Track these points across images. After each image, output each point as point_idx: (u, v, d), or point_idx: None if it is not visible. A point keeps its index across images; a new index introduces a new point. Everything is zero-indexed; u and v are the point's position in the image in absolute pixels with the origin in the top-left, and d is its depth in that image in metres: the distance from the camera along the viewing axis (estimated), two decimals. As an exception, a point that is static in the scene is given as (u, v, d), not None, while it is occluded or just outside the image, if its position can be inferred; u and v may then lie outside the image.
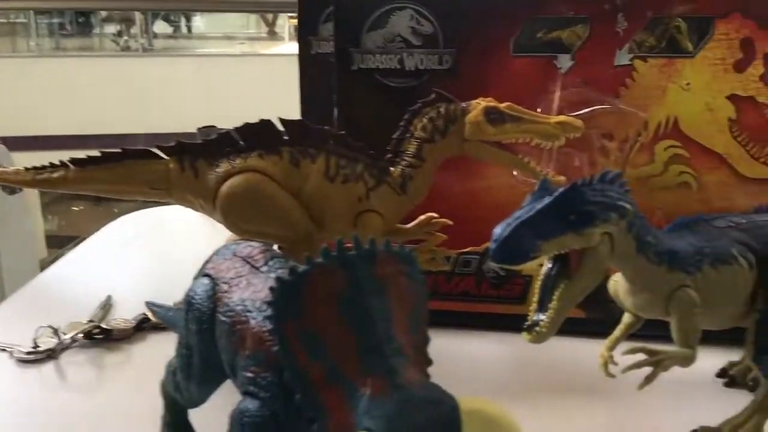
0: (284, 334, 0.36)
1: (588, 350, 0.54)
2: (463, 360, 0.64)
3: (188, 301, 0.44)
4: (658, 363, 0.46)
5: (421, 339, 0.38)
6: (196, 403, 0.46)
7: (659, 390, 0.57)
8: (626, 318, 0.52)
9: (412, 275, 0.38)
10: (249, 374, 0.38)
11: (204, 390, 0.45)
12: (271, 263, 0.42)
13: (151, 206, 1.14)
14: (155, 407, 0.54)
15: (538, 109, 0.66)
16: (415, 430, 0.33)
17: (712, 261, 0.47)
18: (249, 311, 0.39)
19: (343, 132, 0.60)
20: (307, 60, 0.82)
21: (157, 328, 0.70)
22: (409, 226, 0.62)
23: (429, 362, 0.39)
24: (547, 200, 0.43)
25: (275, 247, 0.60)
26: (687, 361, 0.46)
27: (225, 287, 0.42)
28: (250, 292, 0.41)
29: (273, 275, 0.41)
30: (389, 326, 0.36)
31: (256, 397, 0.38)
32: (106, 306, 0.74)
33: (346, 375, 0.35)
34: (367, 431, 0.32)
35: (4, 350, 0.65)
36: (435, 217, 0.62)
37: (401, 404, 0.33)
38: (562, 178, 0.61)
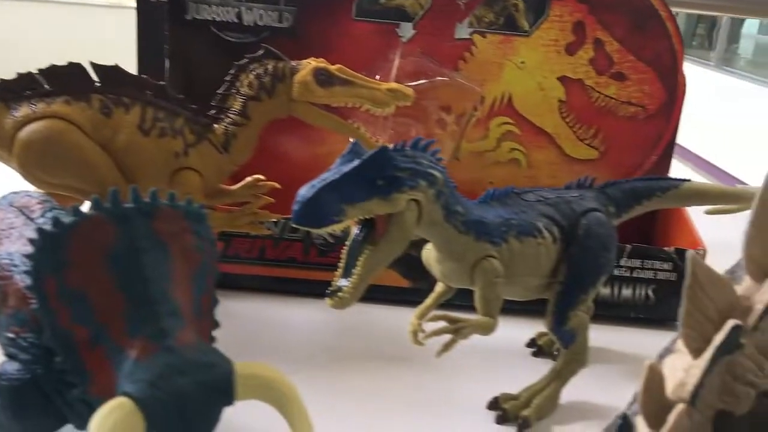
0: (44, 290, 0.33)
1: (408, 319, 0.54)
2: (286, 327, 0.63)
3: (-47, 254, 0.39)
4: (458, 330, 0.46)
5: (208, 300, 0.36)
6: None
7: (471, 358, 0.58)
8: (438, 287, 0.52)
9: (200, 233, 0.36)
10: (9, 335, 0.35)
11: None
12: (48, 214, 0.39)
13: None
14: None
15: (377, 76, 0.65)
16: (180, 395, 0.31)
17: (517, 233, 0.48)
18: (15, 266, 0.36)
19: (163, 82, 0.56)
20: (145, 7, 0.76)
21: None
22: (233, 187, 0.60)
23: (215, 324, 0.37)
24: (355, 163, 0.42)
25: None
26: (487, 329, 0.47)
27: (-6, 239, 0.38)
28: (20, 245, 0.37)
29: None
30: (165, 286, 0.33)
31: (16, 359, 0.34)
32: None
33: (113, 337, 0.32)
34: (126, 396, 0.30)
35: None
36: (262, 180, 0.60)
37: (166, 368, 0.31)
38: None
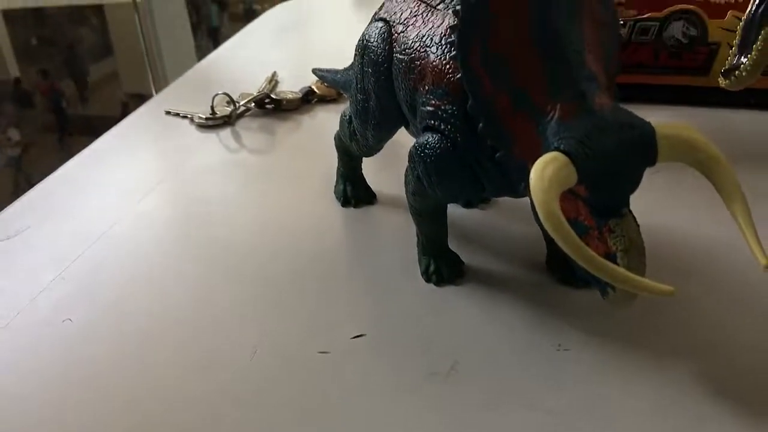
0: (469, 60, 0.35)
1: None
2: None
3: (364, 45, 0.43)
4: None
5: (613, 67, 0.36)
6: (371, 149, 0.47)
7: None
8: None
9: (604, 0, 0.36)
10: (429, 108, 0.38)
11: (380, 134, 0.45)
12: (447, 0, 0.40)
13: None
14: (323, 165, 0.56)
15: None
16: (607, 153, 0.31)
17: None
18: (428, 46, 0.38)
19: None
20: None
21: (323, 100, 0.71)
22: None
23: (617, 94, 0.37)
24: None
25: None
26: None
27: (400, 28, 0.41)
28: (428, 29, 0.39)
29: (451, 11, 0.39)
30: (581, 51, 0.33)
31: (437, 130, 0.38)
32: (273, 80, 0.76)
33: (534, 100, 0.33)
34: (559, 151, 0.31)
35: (186, 117, 0.69)
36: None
37: (593, 127, 0.32)
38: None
